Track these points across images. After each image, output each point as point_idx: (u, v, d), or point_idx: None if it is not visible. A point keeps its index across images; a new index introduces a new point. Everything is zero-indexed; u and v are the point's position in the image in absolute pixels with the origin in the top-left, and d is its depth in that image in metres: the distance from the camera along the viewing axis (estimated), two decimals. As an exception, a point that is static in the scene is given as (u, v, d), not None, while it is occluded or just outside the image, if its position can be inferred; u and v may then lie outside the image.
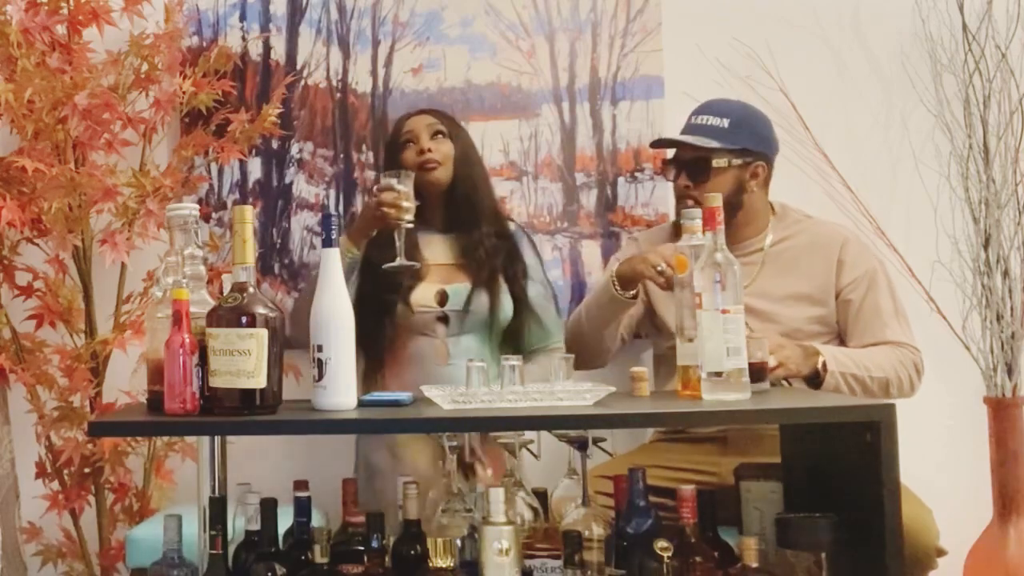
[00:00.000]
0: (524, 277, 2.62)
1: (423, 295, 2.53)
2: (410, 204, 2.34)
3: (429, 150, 2.58)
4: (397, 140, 2.65)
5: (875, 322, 2.47)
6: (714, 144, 2.48)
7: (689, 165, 2.50)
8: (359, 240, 2.46)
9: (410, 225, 2.34)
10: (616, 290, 2.41)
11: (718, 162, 2.48)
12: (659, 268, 2.25)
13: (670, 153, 2.61)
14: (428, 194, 2.57)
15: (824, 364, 2.29)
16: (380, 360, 2.55)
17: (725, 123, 2.51)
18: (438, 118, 2.66)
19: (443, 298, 2.55)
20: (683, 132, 2.55)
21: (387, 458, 2.55)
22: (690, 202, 2.43)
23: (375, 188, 2.40)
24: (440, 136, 2.62)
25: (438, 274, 2.57)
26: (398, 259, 2.32)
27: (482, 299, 2.56)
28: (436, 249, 2.61)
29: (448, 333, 2.54)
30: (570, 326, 2.63)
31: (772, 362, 2.14)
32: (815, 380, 2.30)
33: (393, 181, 2.34)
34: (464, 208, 2.60)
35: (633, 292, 2.42)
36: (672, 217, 2.75)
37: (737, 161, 2.50)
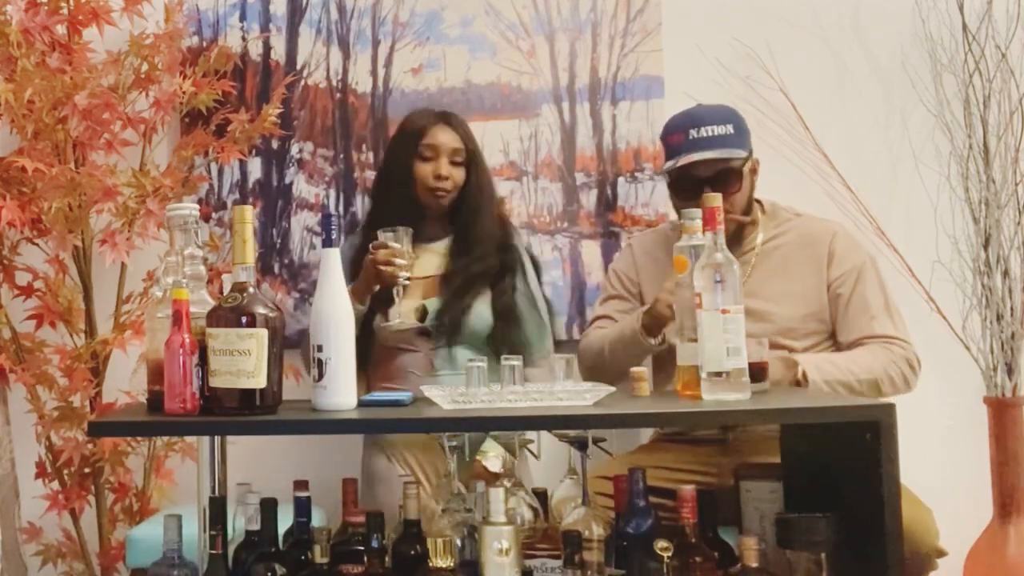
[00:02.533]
0: (513, 290, 2.58)
1: (404, 311, 2.48)
2: (405, 261, 2.32)
3: (446, 177, 2.56)
4: (414, 146, 2.57)
5: (863, 316, 2.43)
6: (741, 153, 2.44)
7: (715, 180, 2.41)
8: (363, 296, 2.41)
9: (407, 283, 2.34)
10: (644, 339, 2.37)
11: (745, 168, 2.46)
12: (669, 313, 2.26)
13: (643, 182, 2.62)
14: (427, 212, 2.58)
15: (804, 374, 2.25)
16: (364, 373, 2.51)
17: (730, 129, 2.44)
18: (462, 138, 2.59)
19: (423, 314, 2.52)
20: (689, 149, 2.44)
21: (387, 466, 2.54)
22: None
23: (371, 245, 2.37)
24: (457, 164, 2.58)
25: (421, 288, 2.55)
26: (398, 319, 2.34)
27: (456, 311, 2.53)
28: (429, 260, 2.58)
29: (432, 346, 2.53)
30: (590, 357, 2.53)
31: None
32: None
33: (389, 237, 2.33)
34: (464, 229, 2.58)
35: (661, 337, 2.37)
36: (673, 218, 2.75)
37: (750, 163, 2.49)
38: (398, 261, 2.32)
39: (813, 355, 2.37)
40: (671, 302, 2.23)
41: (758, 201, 2.59)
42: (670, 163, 2.47)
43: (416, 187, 2.57)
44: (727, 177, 2.42)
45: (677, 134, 2.47)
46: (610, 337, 2.49)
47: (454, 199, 2.59)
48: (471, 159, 2.60)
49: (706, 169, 2.42)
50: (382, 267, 2.33)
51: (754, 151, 2.52)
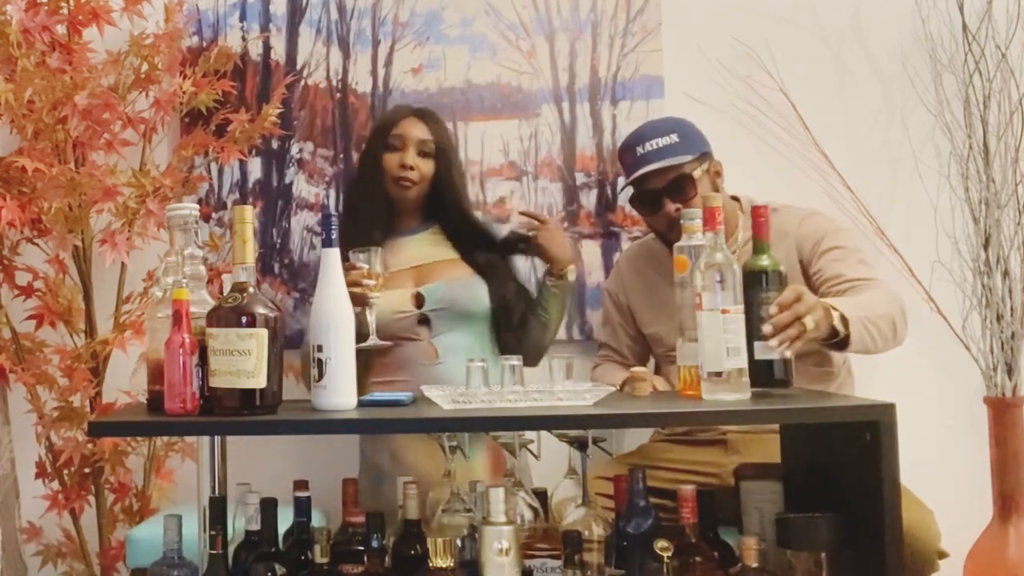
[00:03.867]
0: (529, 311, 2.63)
1: (399, 301, 2.50)
2: (374, 281, 2.28)
3: (411, 168, 2.56)
4: (384, 136, 2.60)
5: (838, 266, 2.38)
6: (688, 158, 2.46)
7: (670, 189, 2.46)
8: None
9: (377, 302, 2.28)
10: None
11: (697, 173, 2.47)
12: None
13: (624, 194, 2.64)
14: (402, 204, 2.60)
15: (842, 317, 2.10)
16: (365, 365, 2.52)
17: (675, 138, 2.49)
18: (432, 131, 2.60)
19: (419, 300, 2.53)
20: (638, 165, 2.49)
21: (388, 461, 2.54)
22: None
23: (343, 264, 2.31)
24: (425, 155, 2.58)
25: (411, 277, 2.56)
26: (370, 338, 2.28)
27: (461, 292, 2.54)
28: (410, 251, 2.59)
29: (432, 333, 2.53)
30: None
31: (809, 323, 1.94)
32: (836, 339, 2.11)
33: (360, 258, 2.29)
34: (447, 219, 2.59)
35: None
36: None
37: (704, 166, 2.50)
38: (366, 282, 2.27)
39: (835, 299, 2.22)
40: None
41: (736, 199, 2.58)
42: (626, 181, 2.55)
43: (384, 179, 2.58)
44: (680, 184, 2.46)
45: (628, 153, 2.55)
46: (600, 378, 2.53)
47: (424, 192, 2.59)
48: (441, 154, 2.60)
49: (659, 180, 2.48)
50: (352, 288, 2.23)
51: (713, 154, 2.53)
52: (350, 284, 2.26)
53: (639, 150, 2.50)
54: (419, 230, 2.63)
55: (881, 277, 2.41)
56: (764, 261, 1.94)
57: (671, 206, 2.45)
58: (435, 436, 2.12)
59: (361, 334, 2.26)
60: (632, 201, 2.59)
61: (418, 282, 2.56)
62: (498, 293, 2.57)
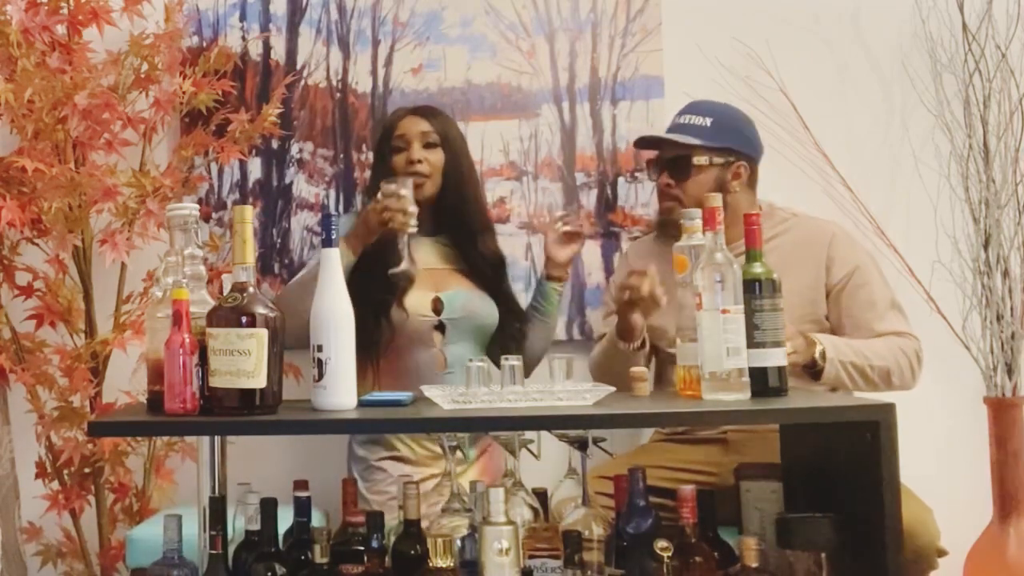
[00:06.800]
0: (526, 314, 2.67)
1: (419, 303, 2.52)
2: (414, 209, 2.36)
3: (419, 161, 2.57)
4: (388, 142, 2.63)
5: (869, 314, 2.44)
6: (695, 142, 2.49)
7: (670, 163, 2.53)
8: (357, 247, 2.43)
9: (414, 230, 2.37)
10: (623, 347, 2.40)
11: (699, 160, 2.49)
12: (625, 297, 2.30)
13: (649, 154, 2.67)
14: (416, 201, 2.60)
15: (823, 353, 2.25)
16: (376, 365, 2.54)
17: (708, 122, 2.52)
18: (432, 123, 2.61)
19: (438, 306, 2.54)
20: (668, 131, 2.57)
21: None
22: (670, 201, 2.53)
23: (379, 195, 2.39)
24: (431, 146, 2.59)
25: (430, 279, 2.56)
26: (403, 263, 2.37)
27: (477, 304, 2.58)
28: (425, 254, 2.61)
29: (444, 342, 2.54)
30: (598, 369, 2.55)
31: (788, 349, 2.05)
32: (813, 369, 2.27)
33: (396, 187, 2.36)
34: (452, 217, 2.59)
35: (639, 342, 2.40)
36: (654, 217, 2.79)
37: (719, 160, 2.50)
38: (409, 209, 2.35)
39: (832, 336, 2.37)
40: (620, 296, 2.31)
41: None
42: (643, 135, 2.68)
43: None
44: (679, 164, 2.53)
45: (675, 116, 2.63)
46: (596, 351, 2.56)
47: (436, 189, 2.59)
48: (447, 142, 2.61)
49: (667, 151, 2.56)
50: (395, 214, 2.34)
51: (751, 157, 2.55)
52: (392, 211, 2.34)
53: (676, 119, 2.59)
54: (435, 232, 2.63)
55: (907, 327, 2.46)
56: (758, 268, 1.94)
57: (664, 179, 2.54)
58: (435, 436, 2.12)
59: (395, 262, 2.38)
60: (648, 162, 2.66)
61: (433, 287, 2.56)
62: (502, 307, 2.61)
